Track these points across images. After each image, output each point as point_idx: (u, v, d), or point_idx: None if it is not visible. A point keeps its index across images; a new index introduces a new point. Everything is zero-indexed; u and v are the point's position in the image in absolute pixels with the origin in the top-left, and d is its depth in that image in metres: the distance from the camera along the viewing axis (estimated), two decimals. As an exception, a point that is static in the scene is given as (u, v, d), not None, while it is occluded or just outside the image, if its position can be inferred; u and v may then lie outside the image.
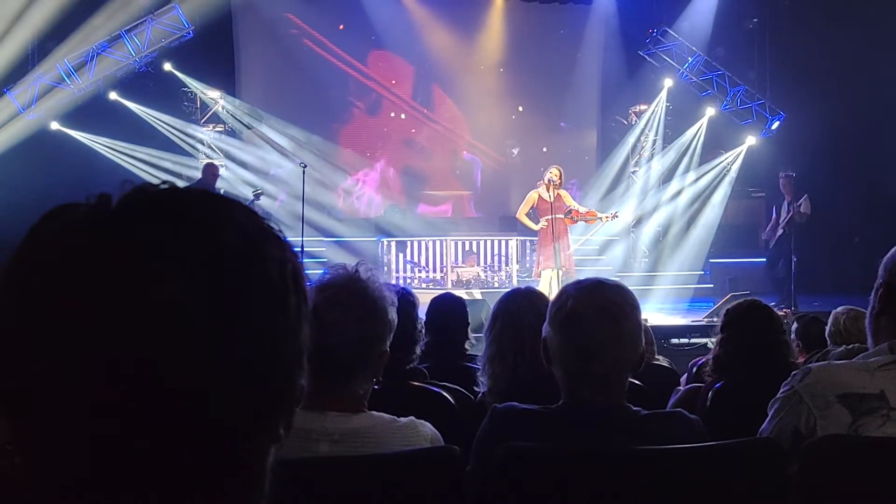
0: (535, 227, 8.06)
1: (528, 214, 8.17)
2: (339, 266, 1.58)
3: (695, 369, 3.45)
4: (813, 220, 9.28)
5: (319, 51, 12.23)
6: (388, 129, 12.97)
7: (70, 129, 10.41)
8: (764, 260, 9.80)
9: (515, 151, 13.02)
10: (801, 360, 3.48)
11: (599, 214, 8.37)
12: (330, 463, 1.49)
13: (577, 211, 8.12)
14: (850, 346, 2.75)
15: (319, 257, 9.72)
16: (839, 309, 3.53)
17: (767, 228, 9.57)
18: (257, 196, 8.87)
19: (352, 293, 1.52)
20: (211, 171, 9.15)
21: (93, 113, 10.43)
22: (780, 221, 9.14)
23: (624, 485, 1.52)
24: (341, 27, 12.17)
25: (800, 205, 8.94)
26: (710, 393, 2.49)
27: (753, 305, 2.80)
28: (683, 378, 3.57)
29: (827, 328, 3.51)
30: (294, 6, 11.91)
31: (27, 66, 10.08)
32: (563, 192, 8.13)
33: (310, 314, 0.59)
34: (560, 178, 7.95)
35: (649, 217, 11.99)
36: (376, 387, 1.60)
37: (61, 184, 7.82)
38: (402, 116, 12.99)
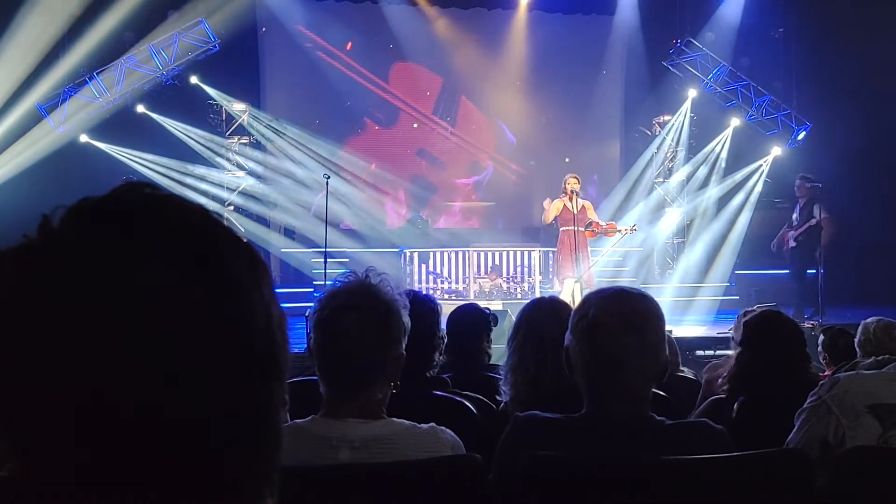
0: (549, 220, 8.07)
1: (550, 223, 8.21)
2: (349, 273, 1.59)
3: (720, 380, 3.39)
4: (841, 230, 9.14)
5: (342, 64, 12.34)
6: (410, 141, 13.02)
7: (98, 141, 10.57)
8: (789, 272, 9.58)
9: (532, 163, 13.03)
10: (828, 372, 3.42)
11: (619, 227, 8.35)
12: (351, 470, 1.49)
13: (598, 224, 8.12)
14: (880, 357, 2.70)
15: (342, 268, 9.75)
16: (869, 319, 3.48)
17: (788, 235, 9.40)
18: None
19: (364, 298, 1.53)
20: None
21: (121, 126, 10.58)
22: (795, 231, 9.09)
23: (649, 495, 1.50)
24: (348, 46, 12.28)
25: (819, 221, 8.87)
26: (736, 404, 2.45)
27: (773, 318, 2.69)
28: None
29: (856, 338, 3.46)
30: (317, 19, 12.03)
31: (57, 81, 10.25)
32: (587, 204, 8.12)
33: (277, 304, 0.58)
34: (579, 185, 7.98)
35: (674, 228, 11.90)
36: (394, 391, 1.60)
37: (90, 196, 7.92)
38: (426, 128, 13.03)
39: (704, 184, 11.98)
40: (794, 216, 9.22)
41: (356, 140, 12.67)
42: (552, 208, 8.09)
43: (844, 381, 1.67)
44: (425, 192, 12.78)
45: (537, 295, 9.80)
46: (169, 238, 0.54)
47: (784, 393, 2.25)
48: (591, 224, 8.05)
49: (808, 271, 9.21)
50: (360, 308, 1.52)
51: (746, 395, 2.48)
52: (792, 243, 9.11)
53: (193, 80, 11.04)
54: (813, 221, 8.86)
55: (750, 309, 3.83)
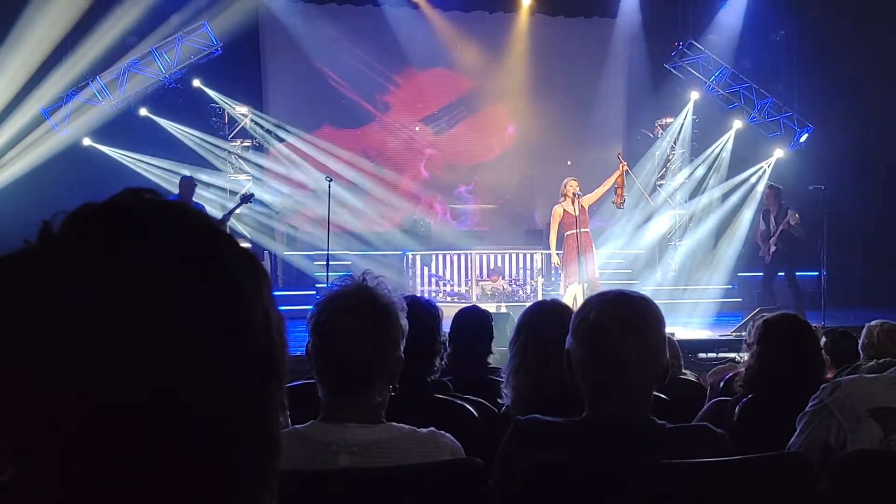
0: (556, 262, 8.10)
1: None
2: (347, 276, 1.59)
3: (722, 384, 3.39)
4: (843, 233, 9.10)
5: (344, 66, 12.35)
6: (413, 143, 13.03)
7: (101, 144, 10.60)
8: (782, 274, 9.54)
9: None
10: (830, 375, 3.41)
11: (615, 178, 8.31)
12: (350, 475, 1.48)
13: (596, 196, 8.21)
14: (882, 360, 2.70)
15: (345, 271, 9.75)
16: (873, 322, 3.47)
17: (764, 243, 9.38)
18: (247, 199, 8.97)
19: (362, 301, 1.53)
20: (189, 184, 8.84)
21: (123, 129, 10.61)
22: (771, 236, 9.10)
23: (649, 499, 1.50)
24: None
25: (788, 220, 8.90)
26: (738, 407, 2.44)
27: (793, 320, 2.69)
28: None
29: (860, 340, 3.45)
30: (319, 21, 12.04)
31: (61, 84, 10.27)
32: (584, 201, 8.04)
33: (275, 308, 0.59)
34: (579, 187, 7.96)
35: (676, 230, 11.89)
36: (392, 394, 1.59)
37: (93, 199, 7.93)
38: (427, 130, 13.04)
39: (706, 186, 11.97)
40: (771, 226, 9.23)
41: (358, 141, 12.68)
42: (553, 219, 8.08)
43: (846, 385, 1.66)
44: (430, 192, 12.78)
45: (540, 297, 9.78)
46: (169, 242, 0.55)
47: (792, 395, 2.25)
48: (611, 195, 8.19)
49: (797, 273, 9.26)
50: (358, 311, 1.51)
51: (759, 396, 2.47)
52: (773, 248, 9.15)
53: (196, 83, 11.06)
54: (785, 225, 8.93)
55: (765, 312, 3.81)
